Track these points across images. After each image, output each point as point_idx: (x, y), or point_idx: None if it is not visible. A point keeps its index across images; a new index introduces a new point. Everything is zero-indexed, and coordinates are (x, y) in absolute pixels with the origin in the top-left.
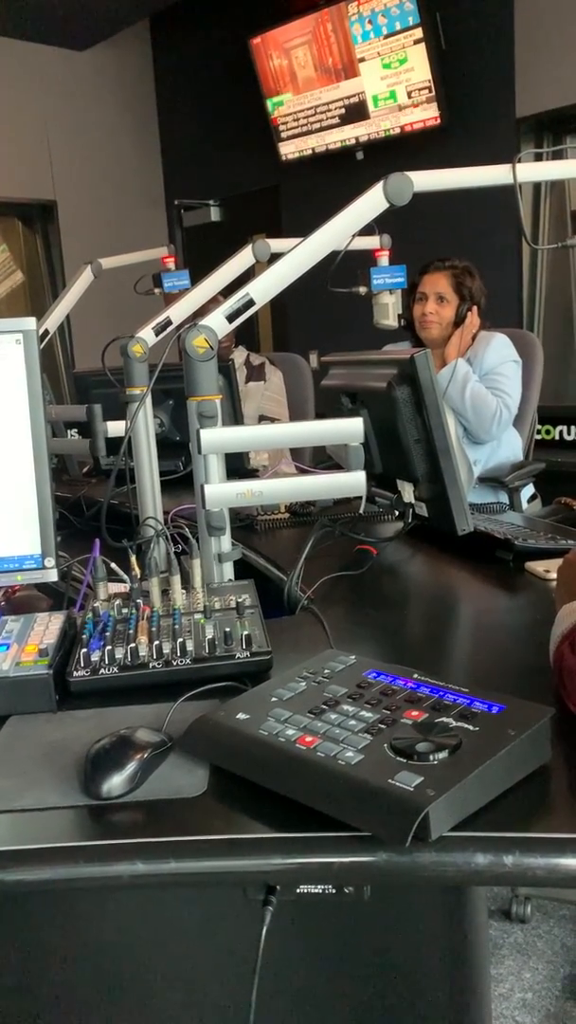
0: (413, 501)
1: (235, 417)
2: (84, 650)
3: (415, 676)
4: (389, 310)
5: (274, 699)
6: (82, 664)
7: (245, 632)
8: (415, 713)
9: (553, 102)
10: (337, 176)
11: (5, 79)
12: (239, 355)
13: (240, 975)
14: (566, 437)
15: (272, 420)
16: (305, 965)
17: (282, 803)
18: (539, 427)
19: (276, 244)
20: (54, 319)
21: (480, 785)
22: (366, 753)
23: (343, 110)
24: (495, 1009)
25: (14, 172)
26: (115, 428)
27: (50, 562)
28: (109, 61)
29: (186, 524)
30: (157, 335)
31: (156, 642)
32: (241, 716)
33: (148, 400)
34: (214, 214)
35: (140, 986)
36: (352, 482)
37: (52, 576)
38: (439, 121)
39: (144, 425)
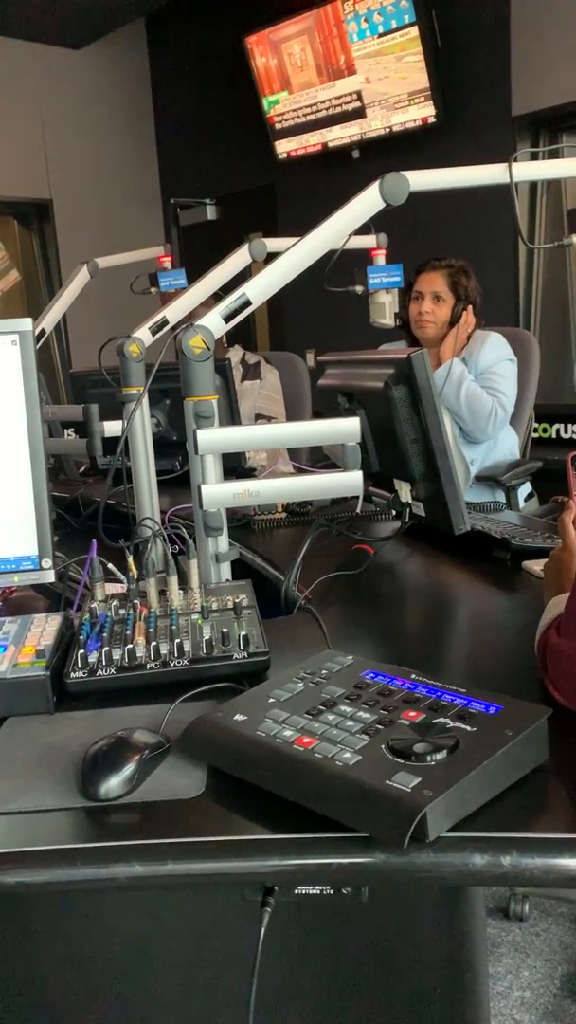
0: (410, 500)
1: (232, 416)
2: (81, 651)
3: (412, 676)
4: (386, 309)
5: (272, 700)
6: (79, 665)
7: (243, 632)
8: (412, 714)
9: (549, 100)
10: (333, 175)
11: (1, 77)
12: (235, 354)
13: (238, 976)
14: (563, 435)
15: (268, 418)
16: (303, 965)
17: (280, 804)
18: (536, 425)
19: (273, 243)
20: (50, 319)
21: (478, 785)
22: (364, 754)
23: (339, 108)
24: (493, 1007)
25: (10, 171)
26: (112, 428)
27: (47, 563)
28: (105, 59)
29: (183, 524)
30: (154, 335)
31: (153, 643)
32: (239, 717)
33: (145, 400)
34: (210, 213)
35: (137, 988)
36: (349, 482)
37: (49, 577)
38: (435, 120)
39: (141, 425)
